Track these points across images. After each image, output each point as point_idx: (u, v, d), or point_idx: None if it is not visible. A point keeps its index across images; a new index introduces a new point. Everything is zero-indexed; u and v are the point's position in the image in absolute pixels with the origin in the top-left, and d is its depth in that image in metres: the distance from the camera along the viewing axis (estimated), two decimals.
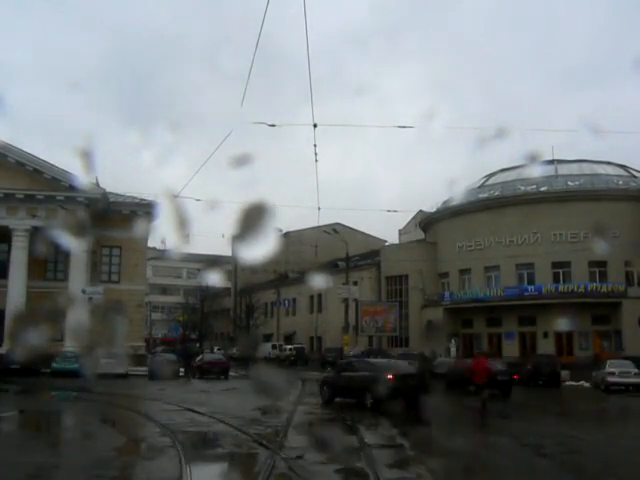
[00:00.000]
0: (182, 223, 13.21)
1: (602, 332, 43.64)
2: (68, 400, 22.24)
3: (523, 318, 45.23)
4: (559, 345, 43.59)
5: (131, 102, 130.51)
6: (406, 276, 52.60)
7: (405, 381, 17.97)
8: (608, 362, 29.65)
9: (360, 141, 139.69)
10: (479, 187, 50.78)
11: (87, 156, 16.44)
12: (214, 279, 71.47)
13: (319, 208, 22.79)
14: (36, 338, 22.31)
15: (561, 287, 43.98)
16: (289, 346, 56.64)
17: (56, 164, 40.83)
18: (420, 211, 67.68)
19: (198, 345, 72.22)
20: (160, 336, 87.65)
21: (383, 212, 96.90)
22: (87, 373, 26.81)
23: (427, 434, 14.64)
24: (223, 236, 56.91)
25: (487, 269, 48.26)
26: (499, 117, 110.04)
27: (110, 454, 10.73)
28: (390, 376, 17.60)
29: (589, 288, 43.32)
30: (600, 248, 36.30)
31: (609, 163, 49.41)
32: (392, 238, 73.29)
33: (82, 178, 39.40)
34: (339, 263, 60.63)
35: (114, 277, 45.72)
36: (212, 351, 73.66)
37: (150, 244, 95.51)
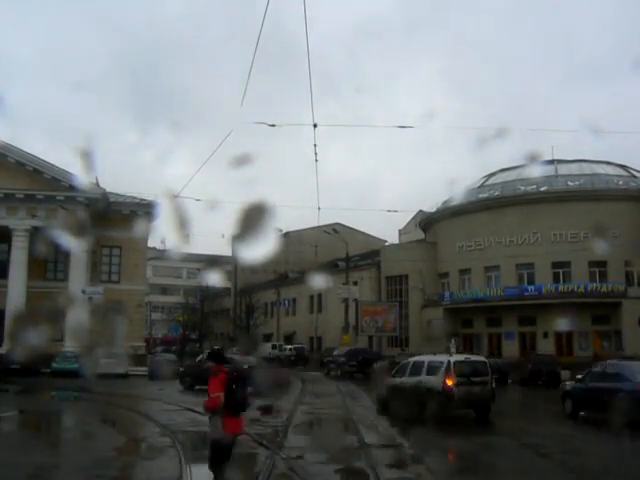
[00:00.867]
0: (182, 223, 13.19)
1: (602, 332, 43.63)
2: (68, 400, 22.26)
3: (523, 318, 45.22)
4: (559, 345, 43.58)
5: (134, 102, 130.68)
6: (406, 276, 52.59)
7: None
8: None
9: (362, 140, 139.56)
10: (479, 187, 50.78)
11: (87, 156, 16.44)
12: (214, 279, 70.89)
13: (319, 208, 22.78)
14: (36, 338, 22.27)
15: (561, 287, 43.96)
16: (289, 346, 56.61)
17: (60, 163, 40.98)
18: (420, 211, 67.71)
19: (198, 345, 72.15)
20: (160, 336, 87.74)
21: (384, 212, 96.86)
22: (87, 373, 26.81)
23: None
24: (223, 236, 56.97)
25: (487, 269, 48.26)
26: (508, 115, 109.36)
27: (110, 454, 10.73)
28: None
29: (589, 288, 43.29)
30: (600, 248, 36.26)
31: (609, 163, 49.41)
32: (392, 238, 73.38)
33: (82, 178, 39.53)
34: (339, 263, 60.65)
35: (114, 277, 45.79)
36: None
37: (150, 244, 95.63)
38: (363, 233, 73.28)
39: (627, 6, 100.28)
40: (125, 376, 32.63)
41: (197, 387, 24.32)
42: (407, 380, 17.18)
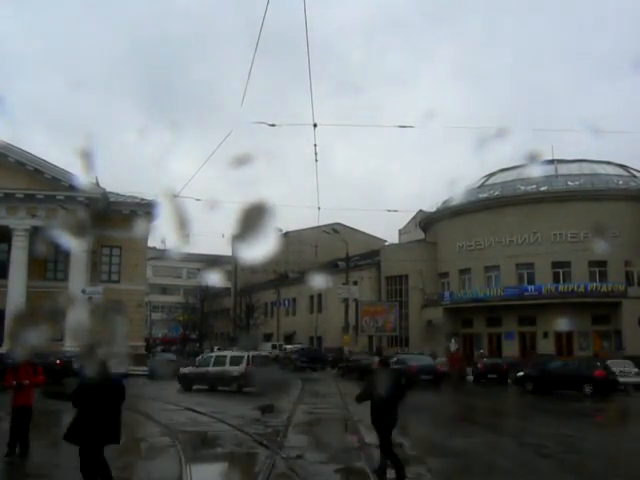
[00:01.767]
0: (182, 223, 13.16)
1: (602, 332, 43.62)
2: (67, 400, 22.18)
3: (523, 318, 45.21)
4: (559, 345, 43.57)
5: (136, 101, 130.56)
6: (406, 276, 52.58)
7: None
8: (608, 362, 29.65)
9: (363, 139, 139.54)
10: (479, 187, 50.76)
11: (87, 156, 16.38)
12: (214, 279, 71.69)
13: (319, 208, 22.74)
14: (36, 338, 22.24)
15: (561, 287, 43.94)
16: (289, 346, 56.59)
17: (63, 161, 40.95)
18: (420, 211, 67.81)
19: (198, 345, 72.65)
20: (160, 336, 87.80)
21: (384, 212, 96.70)
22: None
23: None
24: (223, 236, 56.90)
25: (487, 269, 48.25)
26: (519, 113, 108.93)
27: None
28: None
29: (589, 288, 43.29)
30: (600, 248, 36.23)
31: (609, 163, 49.40)
32: (392, 238, 73.40)
33: (82, 178, 39.53)
34: (339, 263, 60.68)
35: (114, 277, 45.76)
36: (212, 351, 73.96)
37: (150, 244, 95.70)
38: (363, 233, 73.31)
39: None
40: (125, 376, 32.49)
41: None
42: (212, 369, 26.03)
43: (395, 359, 29.54)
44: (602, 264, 43.72)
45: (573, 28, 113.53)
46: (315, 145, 15.81)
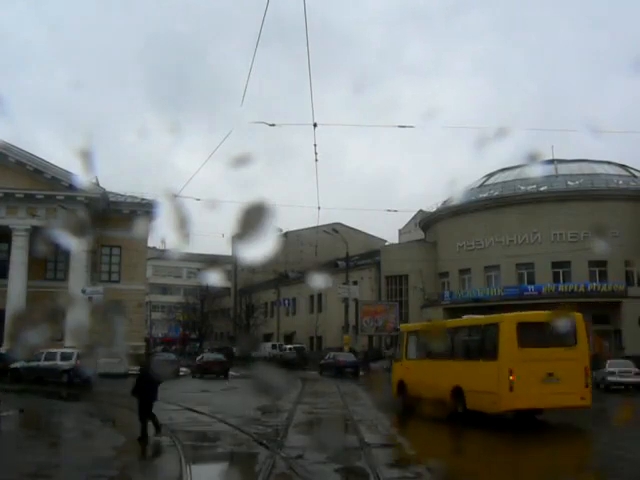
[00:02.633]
0: (182, 223, 13.17)
1: (602, 332, 43.49)
2: (68, 399, 22.23)
3: None
4: None
5: (145, 100, 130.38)
6: (406, 276, 52.58)
7: None
8: (608, 362, 29.63)
9: (371, 138, 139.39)
10: (479, 187, 50.78)
11: (87, 155, 16.36)
12: (214, 279, 71.12)
13: (319, 208, 22.76)
14: (36, 338, 22.29)
15: (561, 287, 43.95)
16: (289, 346, 56.54)
17: (66, 158, 40.98)
18: (420, 211, 67.76)
19: (198, 345, 72.62)
20: (160, 336, 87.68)
21: (384, 211, 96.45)
22: (87, 373, 26.79)
23: None
24: (223, 236, 56.95)
25: (487, 269, 48.26)
26: (533, 111, 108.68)
27: (110, 454, 10.73)
28: None
29: (589, 288, 43.31)
30: (600, 248, 36.25)
31: (609, 163, 49.43)
32: (393, 238, 73.47)
33: (82, 178, 39.57)
34: (339, 263, 60.60)
35: (114, 277, 45.75)
36: (212, 351, 73.89)
37: (150, 244, 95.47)
38: (363, 233, 73.21)
39: None
40: (125, 376, 32.57)
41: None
42: (42, 363, 28.76)
43: (331, 355, 41.64)
44: (602, 264, 43.74)
45: (595, 25, 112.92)
46: (315, 145, 15.81)
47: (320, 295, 60.87)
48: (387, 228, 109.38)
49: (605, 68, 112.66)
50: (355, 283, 51.96)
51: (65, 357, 29.38)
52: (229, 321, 75.22)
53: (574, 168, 48.18)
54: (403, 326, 27.13)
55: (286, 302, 65.99)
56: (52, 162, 41.15)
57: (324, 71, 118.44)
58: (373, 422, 15.55)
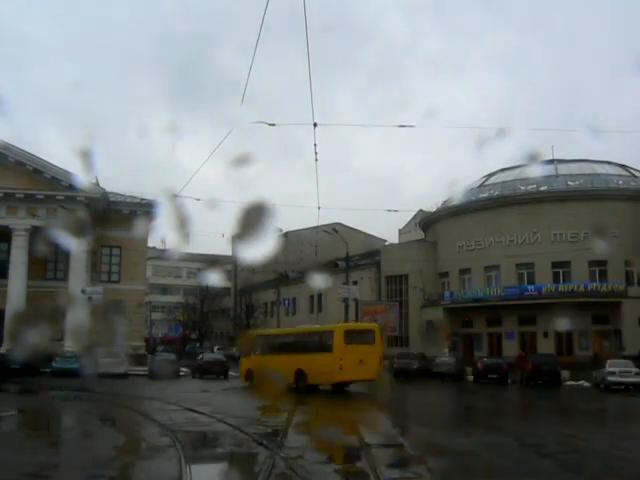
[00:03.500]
0: (182, 223, 13.17)
1: (602, 332, 43.64)
2: (68, 400, 22.22)
3: (523, 318, 45.21)
4: (559, 345, 43.59)
5: (145, 98, 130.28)
6: (406, 276, 52.55)
7: None
8: (608, 362, 29.64)
9: (363, 138, 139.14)
10: (479, 187, 50.76)
11: (87, 155, 16.35)
12: (214, 279, 70.77)
13: (319, 208, 22.72)
14: (36, 338, 22.31)
15: (561, 287, 43.93)
16: None
17: (67, 157, 40.99)
18: (420, 211, 67.69)
19: (198, 345, 72.67)
20: (160, 336, 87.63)
21: (385, 212, 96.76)
22: (87, 373, 26.80)
23: None
24: (223, 236, 56.84)
25: (487, 269, 48.25)
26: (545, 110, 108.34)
27: (110, 454, 10.71)
28: None
29: (589, 287, 43.27)
30: (600, 248, 36.25)
31: (609, 163, 49.42)
32: (393, 238, 73.44)
33: (82, 178, 39.59)
34: (339, 263, 60.49)
35: (114, 277, 45.75)
36: (212, 351, 73.87)
37: (150, 244, 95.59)
38: (363, 233, 73.14)
39: None
40: (125, 376, 32.59)
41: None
42: None
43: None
44: (602, 264, 43.73)
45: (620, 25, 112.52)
46: (315, 145, 15.76)
47: (320, 295, 60.83)
48: (388, 228, 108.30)
49: (616, 68, 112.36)
50: (355, 283, 51.88)
51: None
52: (229, 321, 75.12)
53: (574, 168, 48.16)
54: (256, 332, 39.87)
55: (286, 302, 65.97)
56: (52, 162, 41.25)
57: (337, 65, 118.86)
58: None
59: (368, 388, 25.91)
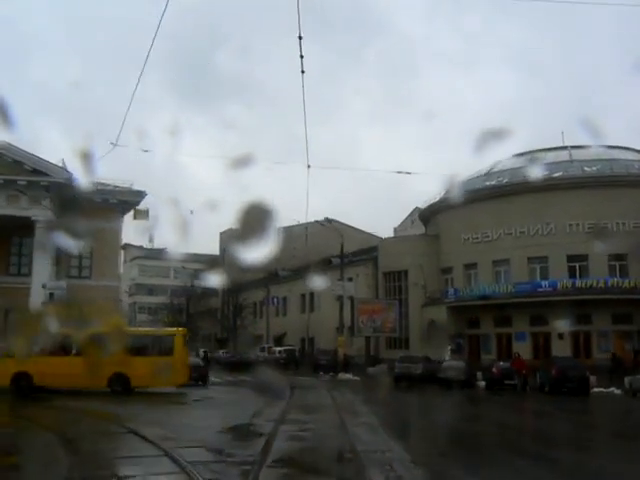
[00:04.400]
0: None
1: (623, 332, 39.52)
2: None
3: (536, 317, 40.89)
4: (576, 346, 39.50)
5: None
6: (405, 272, 48.35)
7: None
8: None
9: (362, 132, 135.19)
10: (486, 174, 46.58)
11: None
12: (202, 278, 66.40)
13: (308, 166, 19.11)
14: None
15: (578, 282, 39.79)
16: (278, 348, 52.44)
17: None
18: (417, 208, 64.42)
19: None
20: None
21: (379, 210, 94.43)
22: None
23: None
24: (192, 212, 52.95)
25: (495, 263, 44.00)
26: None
27: None
28: None
29: (609, 283, 39.19)
30: (620, 239, 32.76)
31: (627, 148, 45.32)
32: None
33: (47, 161, 36.07)
34: (332, 260, 56.76)
35: (85, 272, 41.56)
36: (197, 354, 69.73)
37: (137, 242, 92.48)
38: (358, 230, 69.25)
39: None
40: None
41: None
42: None
43: None
44: (623, 257, 39.63)
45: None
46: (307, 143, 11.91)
47: (312, 294, 56.62)
48: (383, 228, 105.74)
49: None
50: (350, 280, 47.74)
51: None
52: (217, 322, 70.88)
53: (590, 153, 43.90)
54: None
55: (275, 300, 61.38)
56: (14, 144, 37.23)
57: (353, 56, 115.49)
58: None
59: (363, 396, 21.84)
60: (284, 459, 10.31)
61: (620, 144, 44.88)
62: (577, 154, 43.87)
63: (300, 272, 59.34)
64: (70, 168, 36.42)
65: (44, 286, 33.47)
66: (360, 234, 67.57)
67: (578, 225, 40.77)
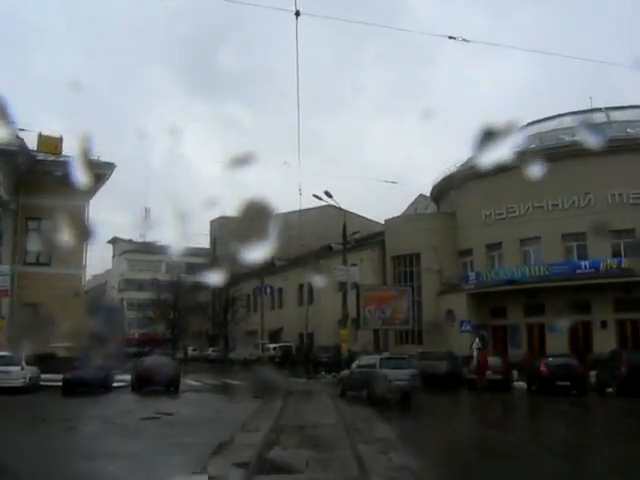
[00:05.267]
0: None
1: None
2: None
3: (573, 304, 34.44)
4: (622, 337, 33.32)
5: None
6: (417, 255, 42.20)
7: None
8: None
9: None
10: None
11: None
12: (194, 271, 63.57)
13: (300, 191, 13.37)
14: None
15: (625, 262, 33.61)
16: (273, 345, 46.49)
17: None
18: (420, 195, 59.25)
19: (171, 346, 62.86)
20: (137, 336, 79.09)
21: (381, 197, 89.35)
22: None
23: None
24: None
25: (524, 242, 37.84)
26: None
27: None
28: None
29: None
30: None
31: None
32: None
33: None
34: (333, 246, 50.96)
35: (43, 259, 35.50)
36: (186, 352, 63.92)
37: (126, 236, 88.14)
38: (360, 216, 63.31)
39: None
40: (28, 390, 22.54)
41: None
42: None
43: None
44: None
45: None
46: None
47: (311, 284, 50.42)
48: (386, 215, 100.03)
49: None
50: (354, 266, 41.56)
51: None
52: (206, 318, 64.78)
53: (630, 115, 37.95)
54: None
55: (268, 290, 54.89)
56: None
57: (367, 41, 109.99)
58: None
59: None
60: None
61: None
62: (615, 116, 37.84)
63: (298, 261, 53.80)
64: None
65: None
66: (361, 220, 61.77)
67: (621, 195, 34.82)
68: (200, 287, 68.36)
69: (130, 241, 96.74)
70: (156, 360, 24.44)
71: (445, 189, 44.61)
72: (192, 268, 68.45)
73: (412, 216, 52.23)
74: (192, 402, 20.08)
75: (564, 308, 34.60)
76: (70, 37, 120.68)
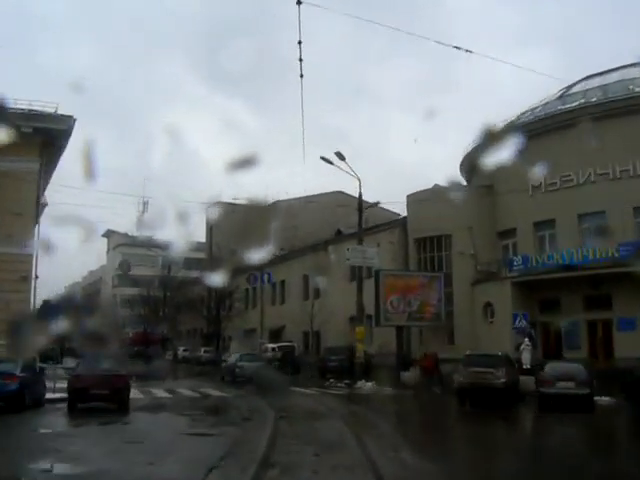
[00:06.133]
0: None
1: None
2: None
3: None
4: None
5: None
6: (447, 237, 34.95)
7: None
8: None
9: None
10: (559, 98, 33.35)
11: None
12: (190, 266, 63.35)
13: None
14: None
15: None
16: (272, 345, 39.51)
17: None
18: (436, 185, 53.24)
19: (161, 345, 59.15)
20: (130, 335, 73.25)
21: (396, 188, 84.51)
22: None
23: None
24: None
25: (582, 218, 30.55)
26: None
27: None
28: None
29: None
30: None
31: None
32: None
33: None
34: (343, 230, 44.28)
35: None
36: (175, 353, 57.28)
37: (121, 230, 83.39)
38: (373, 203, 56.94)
39: None
40: None
41: None
42: None
43: None
44: None
45: None
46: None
47: (317, 274, 43.30)
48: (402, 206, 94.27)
49: None
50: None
51: None
52: (199, 315, 58.14)
53: None
54: None
55: (264, 277, 47.35)
56: None
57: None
58: None
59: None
60: None
61: None
62: None
63: (302, 249, 47.13)
64: None
65: None
66: (375, 209, 55.11)
67: None
68: (195, 282, 62.36)
69: (125, 234, 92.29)
70: (96, 365, 16.94)
71: (478, 161, 37.16)
72: (190, 263, 65.12)
73: (440, 190, 44.90)
74: (127, 434, 12.64)
75: (638, 300, 27.31)
76: (70, 34, 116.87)
